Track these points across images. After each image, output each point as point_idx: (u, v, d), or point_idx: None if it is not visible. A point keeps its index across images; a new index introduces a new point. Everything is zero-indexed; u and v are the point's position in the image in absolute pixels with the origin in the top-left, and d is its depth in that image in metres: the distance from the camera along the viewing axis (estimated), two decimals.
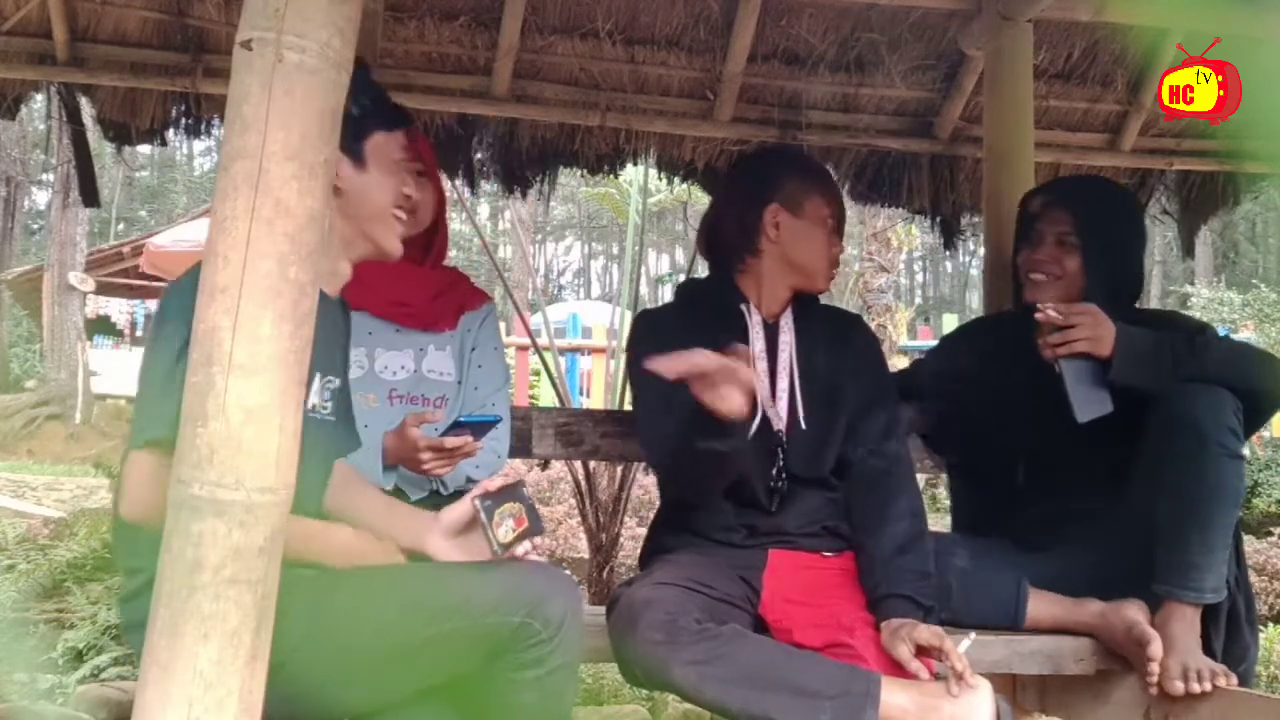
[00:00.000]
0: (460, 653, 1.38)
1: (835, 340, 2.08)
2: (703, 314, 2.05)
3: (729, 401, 1.61)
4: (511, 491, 1.55)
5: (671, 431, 1.81)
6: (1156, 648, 1.86)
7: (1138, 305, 2.35)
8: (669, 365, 1.59)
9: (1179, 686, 1.85)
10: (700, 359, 1.59)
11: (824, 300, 2.20)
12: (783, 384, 2.00)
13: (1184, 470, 1.92)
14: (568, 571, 2.54)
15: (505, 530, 1.49)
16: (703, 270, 2.22)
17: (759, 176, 2.08)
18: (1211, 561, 1.92)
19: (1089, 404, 1.98)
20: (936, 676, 1.68)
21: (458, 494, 2.18)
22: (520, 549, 1.51)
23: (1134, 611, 1.95)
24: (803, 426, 1.98)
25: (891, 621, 1.76)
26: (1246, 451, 1.93)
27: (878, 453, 1.99)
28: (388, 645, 1.36)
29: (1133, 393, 1.98)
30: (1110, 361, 1.98)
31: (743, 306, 2.03)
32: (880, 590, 1.82)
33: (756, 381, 1.98)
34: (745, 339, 2.00)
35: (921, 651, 1.69)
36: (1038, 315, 2.02)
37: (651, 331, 2.05)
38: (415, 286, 2.17)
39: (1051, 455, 2.14)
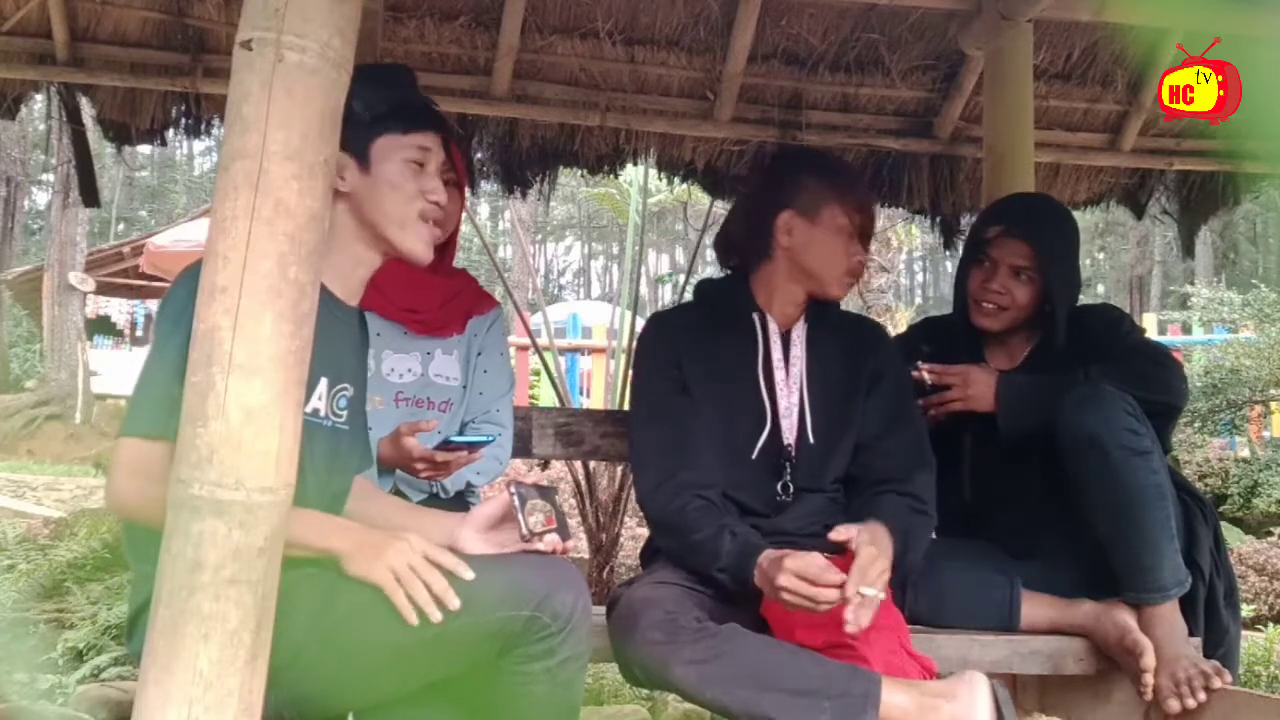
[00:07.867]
0: (469, 648, 1.38)
1: (852, 353, 2.04)
2: (717, 318, 2.04)
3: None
4: (545, 492, 1.54)
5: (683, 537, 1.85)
6: (1149, 659, 1.88)
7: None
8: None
9: (1174, 706, 1.86)
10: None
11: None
12: (793, 398, 1.98)
13: (1100, 484, 1.96)
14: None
15: (536, 521, 1.49)
16: (703, 270, 2.21)
17: (776, 180, 2.05)
18: (1160, 559, 1.94)
19: None
20: (937, 676, 1.68)
21: (458, 497, 2.18)
22: (547, 539, 1.50)
23: (1125, 615, 1.95)
24: (810, 441, 1.97)
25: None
26: (1150, 443, 1.97)
27: (899, 489, 1.93)
28: (394, 643, 1.36)
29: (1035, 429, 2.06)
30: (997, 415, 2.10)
31: (755, 315, 2.02)
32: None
33: (765, 394, 1.98)
34: (756, 347, 2.00)
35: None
36: (914, 375, 2.13)
37: (665, 335, 2.04)
38: (426, 293, 2.16)
39: (1006, 459, 2.15)
